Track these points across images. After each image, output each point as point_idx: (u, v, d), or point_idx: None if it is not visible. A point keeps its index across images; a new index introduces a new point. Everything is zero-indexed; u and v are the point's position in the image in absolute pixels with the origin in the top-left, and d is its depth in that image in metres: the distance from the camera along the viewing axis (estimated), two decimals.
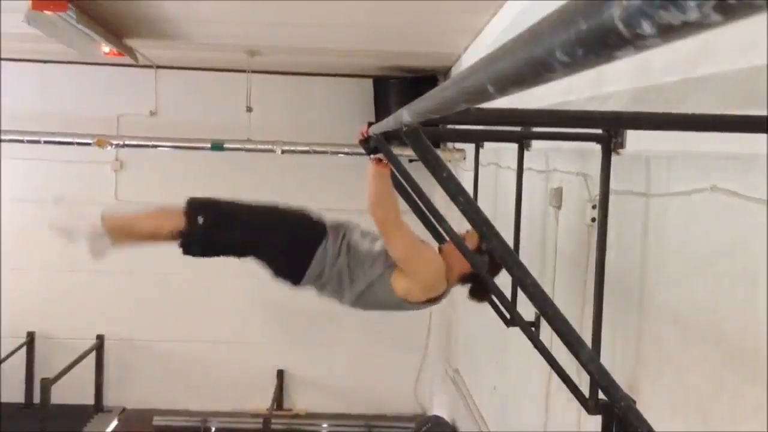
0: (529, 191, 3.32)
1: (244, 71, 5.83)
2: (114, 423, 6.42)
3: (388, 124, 1.67)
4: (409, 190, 2.60)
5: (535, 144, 3.16)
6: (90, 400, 6.49)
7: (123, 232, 2.98)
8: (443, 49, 4.98)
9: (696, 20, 0.35)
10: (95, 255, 2.95)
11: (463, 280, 2.84)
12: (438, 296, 2.84)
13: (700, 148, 1.78)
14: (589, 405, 2.19)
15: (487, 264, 2.69)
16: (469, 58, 4.81)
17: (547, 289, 1.57)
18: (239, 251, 2.98)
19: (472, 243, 2.69)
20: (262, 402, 6.49)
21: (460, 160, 5.44)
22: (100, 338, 6.56)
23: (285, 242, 2.91)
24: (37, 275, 6.59)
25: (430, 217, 2.67)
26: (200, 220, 2.86)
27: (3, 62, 6.11)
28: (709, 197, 1.83)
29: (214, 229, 2.87)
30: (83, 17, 3.74)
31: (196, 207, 2.90)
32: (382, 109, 5.86)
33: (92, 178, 6.51)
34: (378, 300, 2.88)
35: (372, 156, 2.72)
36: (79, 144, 5.57)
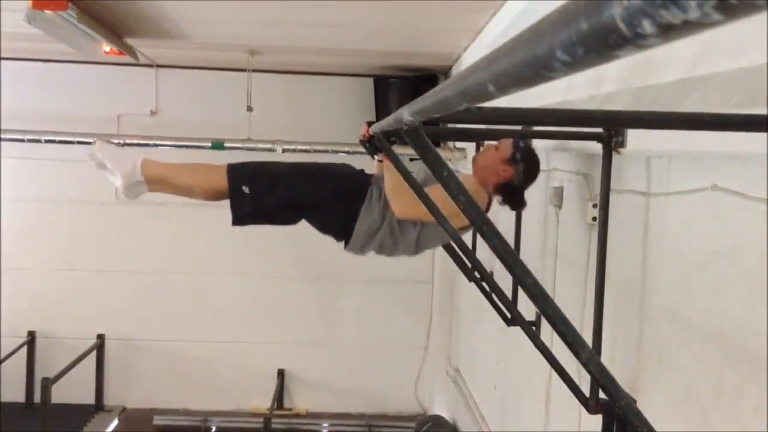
0: (530, 190, 3.32)
1: (244, 70, 5.83)
2: (114, 422, 6.43)
3: (388, 123, 1.67)
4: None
5: (536, 143, 3.16)
6: (90, 400, 6.49)
7: (161, 181, 2.96)
8: (443, 48, 4.98)
9: (697, 19, 0.35)
10: (128, 196, 2.96)
11: (499, 189, 2.87)
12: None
13: (701, 147, 1.78)
14: (590, 404, 2.19)
15: (521, 173, 2.79)
16: (469, 58, 4.80)
17: (547, 288, 1.57)
18: (290, 213, 2.93)
19: (504, 153, 2.78)
20: (263, 401, 6.50)
21: (460, 158, 5.43)
22: (101, 337, 6.56)
23: (331, 194, 2.90)
24: (37, 275, 6.59)
25: None
26: (246, 189, 2.83)
27: (3, 61, 6.10)
28: (709, 196, 1.82)
29: (262, 195, 2.85)
30: (84, 16, 3.74)
31: (239, 176, 2.87)
32: (382, 109, 5.86)
33: (92, 177, 6.47)
34: (432, 238, 2.93)
35: (377, 157, 2.75)
36: (79, 143, 5.55)
